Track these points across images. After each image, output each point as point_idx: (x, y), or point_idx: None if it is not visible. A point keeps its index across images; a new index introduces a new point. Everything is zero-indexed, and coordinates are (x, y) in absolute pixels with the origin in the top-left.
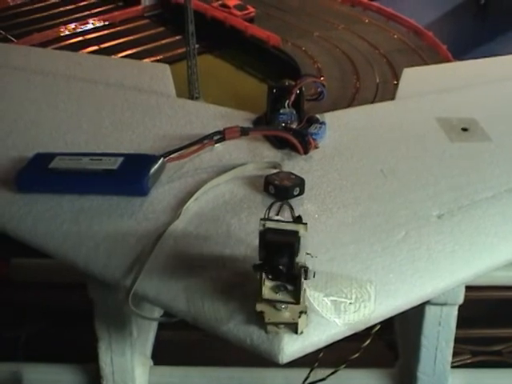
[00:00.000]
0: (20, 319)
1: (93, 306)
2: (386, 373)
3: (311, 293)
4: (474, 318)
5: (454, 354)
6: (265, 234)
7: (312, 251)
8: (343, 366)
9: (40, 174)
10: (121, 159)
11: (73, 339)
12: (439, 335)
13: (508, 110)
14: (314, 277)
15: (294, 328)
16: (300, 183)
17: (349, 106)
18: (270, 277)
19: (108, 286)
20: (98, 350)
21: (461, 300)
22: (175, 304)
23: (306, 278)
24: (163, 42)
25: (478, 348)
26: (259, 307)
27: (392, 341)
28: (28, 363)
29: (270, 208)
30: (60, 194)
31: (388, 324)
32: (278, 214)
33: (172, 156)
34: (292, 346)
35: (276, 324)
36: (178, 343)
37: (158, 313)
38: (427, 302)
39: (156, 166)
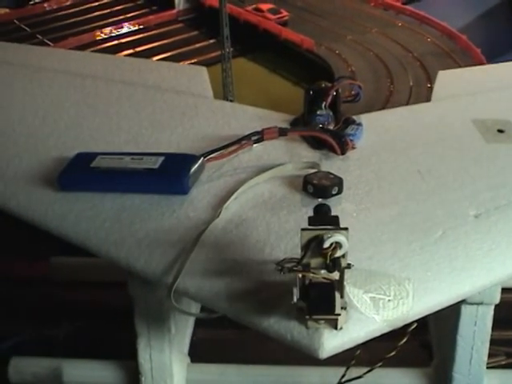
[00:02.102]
0: (59, 317)
1: (132, 303)
2: (421, 372)
3: (351, 289)
4: (510, 320)
5: (489, 356)
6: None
7: (351, 249)
8: (379, 364)
9: (82, 173)
10: (161, 159)
11: (111, 337)
12: (475, 335)
13: None
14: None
15: (333, 324)
16: (338, 183)
17: (383, 108)
18: None
19: (148, 282)
20: (137, 347)
21: (497, 300)
22: (216, 300)
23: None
24: (197, 45)
25: None
26: (300, 303)
27: (426, 341)
28: (68, 359)
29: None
30: (101, 193)
31: (422, 324)
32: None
33: (211, 156)
34: (332, 342)
35: (316, 320)
36: (214, 341)
37: (195, 310)
38: (463, 302)
39: (196, 166)
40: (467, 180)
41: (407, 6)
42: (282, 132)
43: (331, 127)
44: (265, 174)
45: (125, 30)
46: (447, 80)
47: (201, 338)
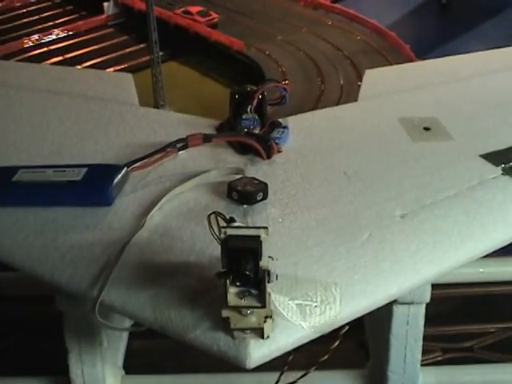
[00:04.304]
0: None
1: (62, 318)
2: (356, 373)
3: (276, 297)
4: (444, 315)
5: (425, 352)
6: (227, 241)
7: (276, 255)
8: (313, 368)
9: (3, 188)
10: (84, 170)
11: (44, 352)
12: (408, 334)
13: (469, 109)
14: (276, 279)
15: (260, 333)
16: (263, 188)
17: (314, 108)
18: (236, 283)
19: (75, 297)
20: (68, 362)
21: (427, 298)
22: (142, 313)
23: (269, 281)
24: (128, 50)
25: (449, 345)
26: (225, 313)
27: (363, 341)
28: None
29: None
30: (24, 207)
31: (359, 325)
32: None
33: (136, 165)
34: (259, 351)
35: (242, 329)
36: (150, 351)
37: (128, 322)
38: (394, 302)
39: (119, 176)
40: (393, 180)
41: (337, 5)
42: (207, 138)
43: (257, 131)
44: (189, 181)
45: (53, 36)
46: (374, 79)
47: (136, 349)
